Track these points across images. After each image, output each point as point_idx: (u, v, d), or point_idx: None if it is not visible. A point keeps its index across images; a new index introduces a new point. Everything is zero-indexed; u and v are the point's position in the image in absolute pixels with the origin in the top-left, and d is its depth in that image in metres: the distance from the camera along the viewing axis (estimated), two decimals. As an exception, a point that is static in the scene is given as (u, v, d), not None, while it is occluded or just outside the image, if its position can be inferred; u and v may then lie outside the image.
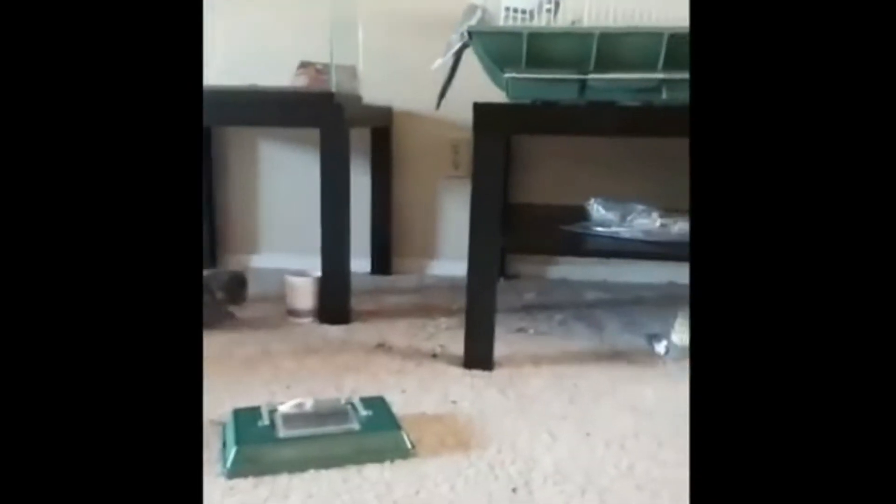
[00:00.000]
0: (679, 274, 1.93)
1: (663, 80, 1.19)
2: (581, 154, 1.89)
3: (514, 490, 0.88)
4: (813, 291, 0.52)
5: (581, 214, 1.46)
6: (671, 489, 0.90)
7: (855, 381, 0.51)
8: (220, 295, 1.53)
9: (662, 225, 1.37)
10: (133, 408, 0.53)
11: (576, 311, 1.67)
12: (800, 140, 0.53)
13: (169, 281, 0.55)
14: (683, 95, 1.20)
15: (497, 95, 1.26)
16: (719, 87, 0.55)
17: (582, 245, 1.38)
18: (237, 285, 1.57)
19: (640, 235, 1.37)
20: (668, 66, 1.18)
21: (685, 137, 1.31)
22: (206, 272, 1.55)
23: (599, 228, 1.41)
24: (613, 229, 1.40)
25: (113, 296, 0.53)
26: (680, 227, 1.35)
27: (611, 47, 1.18)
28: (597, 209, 1.44)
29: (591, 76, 1.20)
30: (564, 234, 1.42)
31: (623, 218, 1.41)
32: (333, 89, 1.56)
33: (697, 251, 0.56)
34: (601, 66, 1.20)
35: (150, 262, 0.54)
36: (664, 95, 1.20)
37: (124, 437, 0.52)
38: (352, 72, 1.79)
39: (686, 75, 1.19)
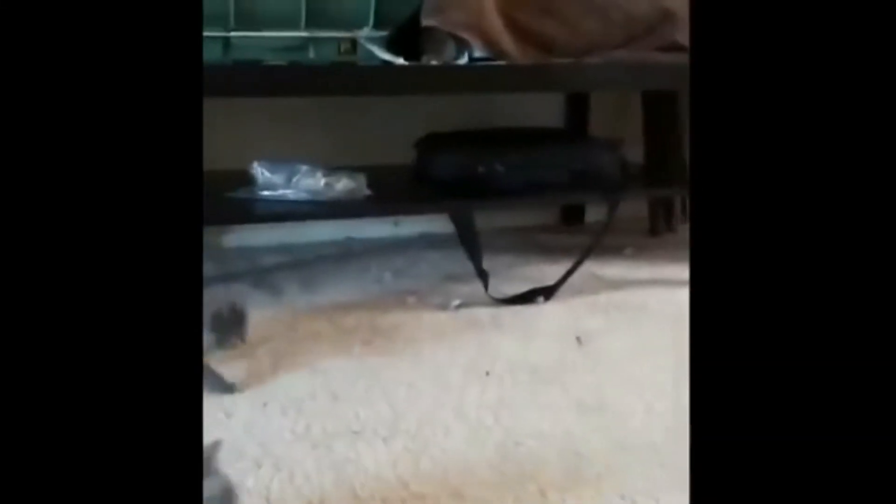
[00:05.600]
0: (355, 229, 1.97)
1: (309, 39, 1.19)
2: (239, 115, 1.83)
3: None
4: (816, 296, 0.50)
5: (246, 179, 1.42)
6: (343, 441, 0.92)
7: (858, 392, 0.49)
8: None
9: (327, 184, 1.38)
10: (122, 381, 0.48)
11: (254, 278, 1.63)
12: (803, 141, 0.51)
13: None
14: (331, 54, 1.21)
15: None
16: (719, 85, 0.52)
17: (250, 212, 1.35)
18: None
19: (306, 196, 1.36)
20: (311, 24, 1.17)
21: (337, 96, 1.33)
22: None
23: (266, 192, 1.38)
24: (280, 192, 1.38)
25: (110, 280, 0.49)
26: (344, 184, 1.38)
27: (249, 3, 1.14)
28: (261, 173, 1.40)
29: (232, 34, 1.15)
30: (230, 202, 1.37)
31: (288, 179, 1.39)
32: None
33: (698, 253, 0.53)
34: (243, 23, 1.16)
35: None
36: (311, 54, 1.20)
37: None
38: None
39: (331, 34, 1.20)
